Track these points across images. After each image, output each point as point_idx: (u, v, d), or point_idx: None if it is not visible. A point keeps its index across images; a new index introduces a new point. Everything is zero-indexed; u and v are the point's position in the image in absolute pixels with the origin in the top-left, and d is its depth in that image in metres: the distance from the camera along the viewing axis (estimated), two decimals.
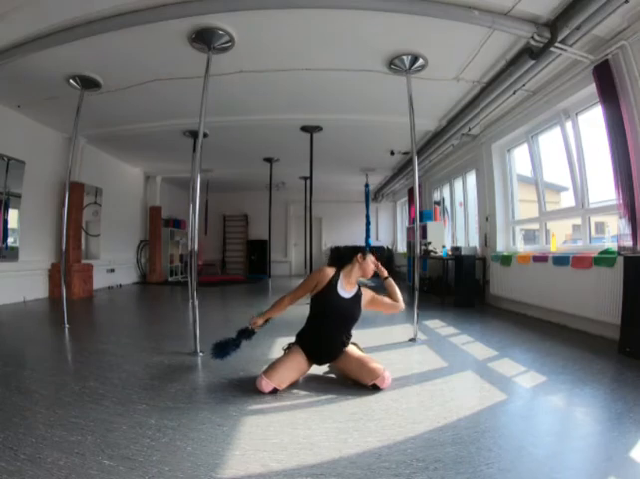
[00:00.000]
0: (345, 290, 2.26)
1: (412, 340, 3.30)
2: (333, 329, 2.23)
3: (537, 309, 4.22)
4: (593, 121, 3.64)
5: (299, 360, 2.19)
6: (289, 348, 2.28)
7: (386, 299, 2.41)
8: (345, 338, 2.27)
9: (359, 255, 2.34)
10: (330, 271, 2.28)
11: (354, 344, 2.36)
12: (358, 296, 2.31)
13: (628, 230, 2.93)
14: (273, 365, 2.13)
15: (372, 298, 2.38)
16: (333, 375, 2.35)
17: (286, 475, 1.31)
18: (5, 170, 4.93)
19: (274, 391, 2.03)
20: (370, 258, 2.36)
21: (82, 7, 2.93)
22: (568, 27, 2.86)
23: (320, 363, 2.30)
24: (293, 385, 2.14)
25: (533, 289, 4.20)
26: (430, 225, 6.96)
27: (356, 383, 2.15)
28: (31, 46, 3.27)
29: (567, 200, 4.35)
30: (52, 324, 4.00)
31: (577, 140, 3.88)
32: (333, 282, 2.24)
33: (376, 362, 2.17)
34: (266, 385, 2.02)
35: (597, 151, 3.58)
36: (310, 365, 2.27)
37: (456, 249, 5.79)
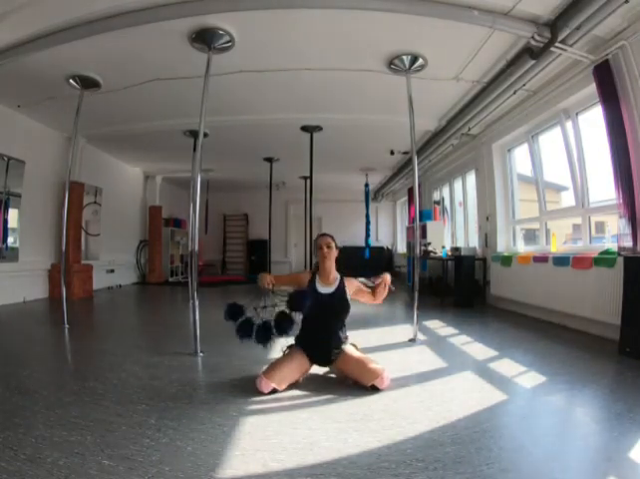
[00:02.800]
0: (323, 286, 2.28)
1: (412, 340, 3.29)
2: (324, 327, 2.24)
3: (537, 309, 4.22)
4: (593, 121, 3.64)
5: (299, 360, 2.20)
6: (289, 349, 2.28)
7: (367, 290, 2.37)
8: (340, 335, 2.27)
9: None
10: (307, 275, 2.36)
11: (353, 345, 2.35)
12: (341, 289, 2.30)
13: (628, 230, 2.93)
14: (273, 365, 2.13)
15: (357, 289, 2.37)
16: (333, 375, 2.35)
17: (286, 475, 1.31)
18: (5, 170, 4.93)
19: (273, 391, 2.03)
20: (317, 243, 2.34)
21: (82, 7, 2.93)
22: (568, 27, 2.86)
23: (320, 364, 2.30)
24: (293, 385, 2.14)
25: (533, 289, 4.20)
26: (430, 225, 6.96)
27: (356, 383, 2.14)
28: (31, 46, 3.27)
29: (567, 200, 4.35)
30: (52, 324, 4.00)
31: (577, 140, 3.88)
32: (311, 283, 2.29)
33: (375, 363, 2.16)
34: (265, 385, 2.02)
35: (597, 151, 3.58)
36: (311, 365, 2.28)
37: (456, 249, 5.79)
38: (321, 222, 11.45)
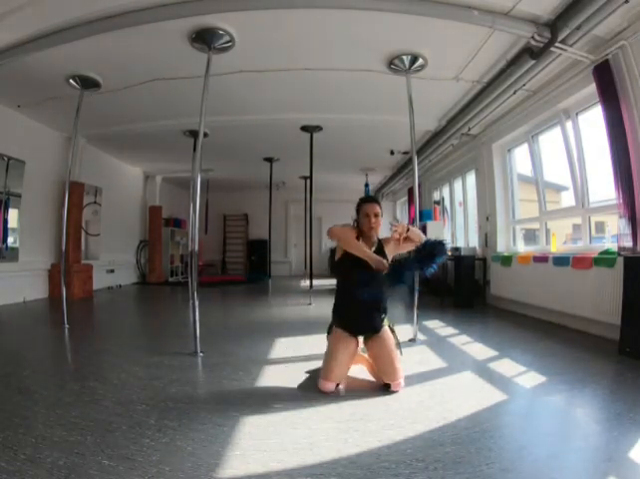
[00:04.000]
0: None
1: (412, 340, 3.29)
2: (364, 295, 2.05)
3: (537, 309, 4.21)
4: (593, 121, 3.64)
5: (347, 347, 2.11)
6: (330, 333, 2.19)
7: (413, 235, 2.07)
8: (380, 304, 2.16)
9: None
10: (353, 232, 2.11)
11: (391, 330, 2.23)
12: (380, 252, 2.12)
13: (628, 230, 2.93)
14: (327, 366, 2.06)
15: (395, 244, 2.14)
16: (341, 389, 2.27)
17: (286, 475, 1.31)
18: (5, 170, 4.93)
19: (336, 386, 2.05)
20: (364, 209, 2.10)
21: (82, 7, 2.93)
22: (568, 27, 2.86)
23: (367, 333, 2.18)
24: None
25: (533, 289, 4.20)
26: (430, 225, 6.94)
27: (373, 375, 2.13)
28: (31, 46, 3.27)
29: (567, 200, 4.35)
30: (52, 324, 3.99)
31: (577, 140, 3.88)
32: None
33: (400, 364, 2.12)
34: (329, 386, 2.02)
35: (597, 151, 3.58)
36: (357, 342, 2.19)
37: (456, 249, 5.79)
38: (321, 221, 11.45)
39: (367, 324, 2.17)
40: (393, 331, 2.25)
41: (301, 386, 2.16)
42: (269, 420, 1.74)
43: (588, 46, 3.19)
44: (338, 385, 2.06)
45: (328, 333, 2.24)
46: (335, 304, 2.26)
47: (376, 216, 2.13)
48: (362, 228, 2.14)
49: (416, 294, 3.46)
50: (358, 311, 2.12)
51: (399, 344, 2.24)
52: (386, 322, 2.22)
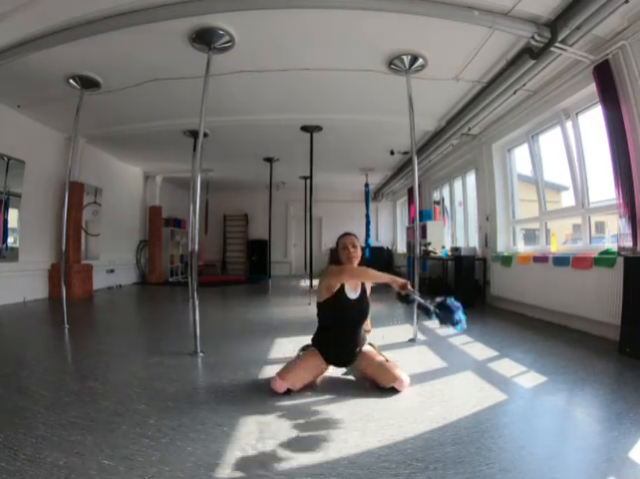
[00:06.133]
0: (351, 291, 2.20)
1: (412, 340, 3.30)
2: (349, 333, 2.19)
3: (537, 309, 4.21)
4: (593, 121, 3.64)
5: (314, 361, 2.17)
6: (304, 349, 2.25)
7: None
8: (362, 335, 2.25)
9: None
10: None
11: (370, 345, 2.31)
12: (364, 291, 2.24)
13: (628, 230, 2.93)
14: (287, 366, 2.11)
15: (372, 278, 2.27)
16: (352, 377, 2.30)
17: (286, 475, 1.31)
18: (5, 170, 4.93)
19: (288, 392, 2.02)
20: (342, 241, 2.20)
21: (82, 7, 2.93)
22: (568, 27, 2.86)
23: (339, 365, 2.26)
24: (309, 386, 2.12)
25: (533, 289, 4.20)
26: (430, 225, 6.96)
27: (374, 384, 2.12)
28: (31, 46, 3.27)
29: (567, 200, 4.35)
30: (52, 324, 4.00)
31: (577, 140, 3.88)
32: (342, 286, 2.17)
33: (395, 366, 2.14)
34: (280, 385, 2.01)
35: (597, 151, 3.58)
36: (327, 366, 2.25)
37: (456, 249, 5.79)
38: (321, 221, 11.45)
39: (344, 357, 2.22)
40: (372, 346, 2.32)
41: (305, 387, 2.16)
42: (269, 420, 1.74)
43: (588, 46, 3.19)
44: (290, 391, 2.02)
45: (302, 350, 2.26)
46: (317, 337, 2.27)
47: (354, 246, 2.21)
48: (342, 260, 2.21)
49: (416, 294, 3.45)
50: (340, 346, 2.19)
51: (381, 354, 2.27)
52: (365, 346, 2.29)
